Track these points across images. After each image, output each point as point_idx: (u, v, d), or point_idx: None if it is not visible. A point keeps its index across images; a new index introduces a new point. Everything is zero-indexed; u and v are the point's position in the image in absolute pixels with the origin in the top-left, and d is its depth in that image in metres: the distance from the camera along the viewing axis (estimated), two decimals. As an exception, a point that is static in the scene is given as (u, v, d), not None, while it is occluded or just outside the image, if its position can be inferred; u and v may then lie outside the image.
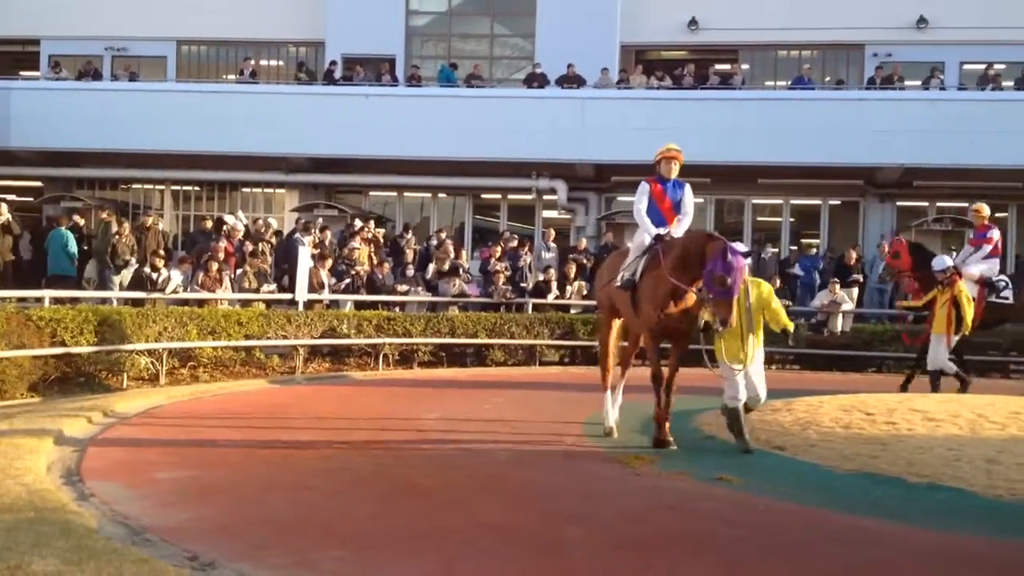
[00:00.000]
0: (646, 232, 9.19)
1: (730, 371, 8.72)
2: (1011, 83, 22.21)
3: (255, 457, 8.12)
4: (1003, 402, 10.21)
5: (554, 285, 18.06)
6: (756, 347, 8.81)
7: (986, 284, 13.07)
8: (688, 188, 9.45)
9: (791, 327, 9.02)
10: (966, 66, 23.78)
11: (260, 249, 17.40)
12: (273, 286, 16.45)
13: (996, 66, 22.48)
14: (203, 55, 26.82)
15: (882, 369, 16.84)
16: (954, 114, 20.70)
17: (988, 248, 13.18)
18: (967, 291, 12.46)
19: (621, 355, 10.29)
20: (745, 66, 24.96)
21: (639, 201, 9.28)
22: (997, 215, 22.59)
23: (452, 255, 18.53)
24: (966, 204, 22.14)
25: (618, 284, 9.22)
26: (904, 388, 12.70)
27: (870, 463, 7.91)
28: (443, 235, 20.12)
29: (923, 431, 8.84)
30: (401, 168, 22.54)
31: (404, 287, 17.70)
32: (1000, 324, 14.14)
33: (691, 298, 8.62)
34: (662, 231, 9.07)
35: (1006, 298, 13.06)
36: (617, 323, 9.94)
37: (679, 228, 9.21)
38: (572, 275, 18.17)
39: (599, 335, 10.07)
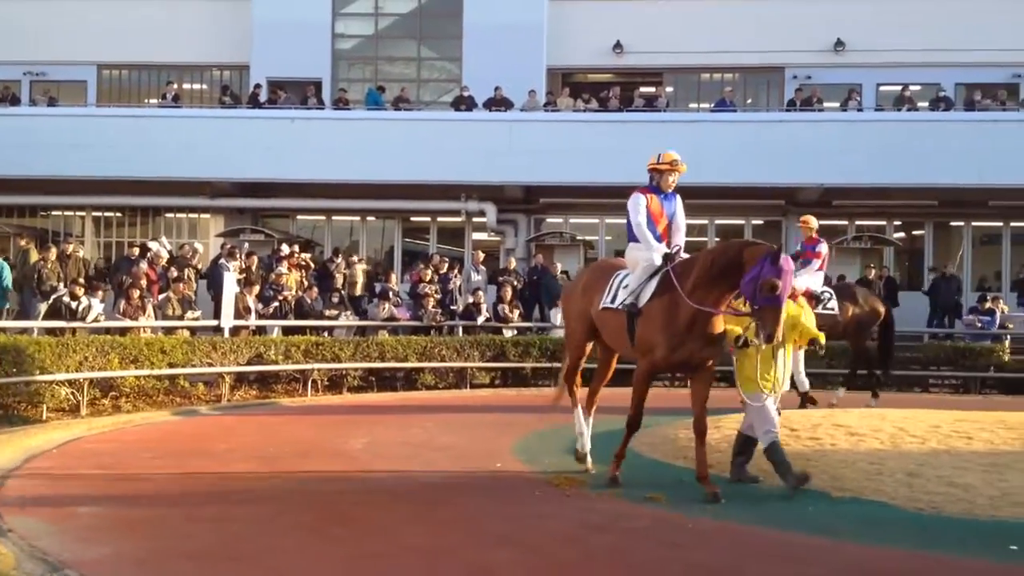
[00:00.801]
0: (651, 250, 8.15)
1: (759, 399, 7.88)
2: (926, 104, 22.86)
3: (178, 488, 7.96)
4: (923, 416, 10.45)
5: (484, 307, 18.05)
6: (786, 370, 8.07)
7: (811, 297, 12.60)
8: (679, 200, 8.57)
9: (822, 338, 8.67)
10: (882, 88, 24.43)
11: (186, 275, 17.12)
12: (198, 312, 16.17)
13: (911, 88, 23.14)
14: (124, 79, 26.37)
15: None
16: (871, 135, 21.23)
17: (818, 263, 12.96)
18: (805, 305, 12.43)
19: (593, 382, 9.34)
20: (669, 89, 25.32)
21: (636, 213, 8.32)
22: (914, 232, 23.40)
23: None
24: (884, 222, 22.83)
25: (614, 306, 8.22)
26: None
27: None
28: (353, 257, 19.98)
29: (846, 446, 9.00)
30: (329, 192, 22.38)
31: (333, 312, 17.53)
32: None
33: (717, 323, 7.72)
34: (670, 249, 8.19)
35: (832, 309, 13.02)
36: (588, 347, 9.12)
37: (675, 244, 8.36)
38: (508, 298, 18.13)
39: (568, 357, 9.15)
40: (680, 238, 8.43)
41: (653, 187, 8.45)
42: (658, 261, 8.03)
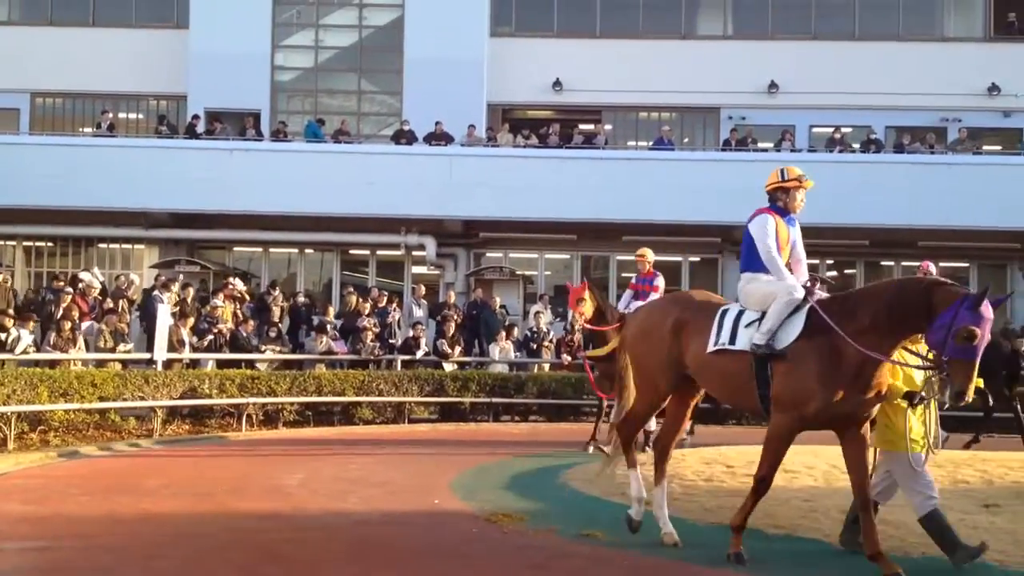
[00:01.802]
0: (785, 281, 6.96)
1: (919, 460, 6.64)
2: (857, 146, 23.42)
3: (108, 526, 7.76)
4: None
5: (423, 341, 17.98)
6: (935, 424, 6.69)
7: None
8: (799, 226, 7.52)
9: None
10: (815, 129, 24.99)
11: (121, 307, 16.82)
12: (130, 345, 15.88)
13: (843, 130, 23.69)
14: (59, 107, 26.00)
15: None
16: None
17: (658, 296, 12.44)
18: None
19: (662, 440, 7.83)
20: (608, 126, 25.63)
21: (766, 236, 7.16)
22: (846, 272, 23.87)
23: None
24: (817, 261, 23.23)
25: (734, 348, 6.87)
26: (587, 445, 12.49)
27: (731, 516, 8.06)
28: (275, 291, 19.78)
29: (780, 483, 9.05)
30: (267, 223, 22.19)
31: (272, 346, 17.29)
32: None
33: (884, 373, 6.50)
34: (804, 282, 7.02)
35: None
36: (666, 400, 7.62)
37: (799, 277, 7.20)
38: (450, 333, 18.05)
39: (631, 408, 7.69)
40: (804, 271, 7.37)
41: (778, 208, 7.42)
42: (799, 295, 6.79)
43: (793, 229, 7.37)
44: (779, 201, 7.45)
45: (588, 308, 12.51)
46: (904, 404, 6.54)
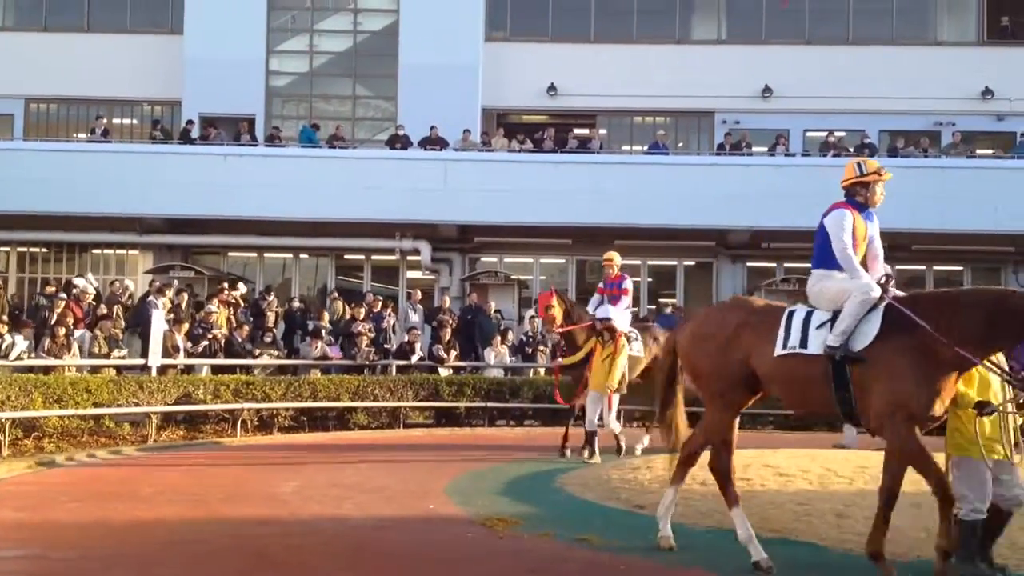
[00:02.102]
0: (860, 280, 6.67)
1: (987, 468, 6.35)
2: (851, 150, 23.44)
3: (102, 532, 7.74)
4: (851, 456, 10.61)
5: (418, 346, 17.97)
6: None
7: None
8: (877, 221, 7.22)
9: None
10: (809, 133, 25.04)
11: (115, 313, 16.78)
12: (124, 351, 15.85)
13: (837, 134, 23.74)
14: (53, 113, 25.98)
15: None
16: (799, 179, 21.66)
17: (628, 299, 12.75)
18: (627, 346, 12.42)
19: (721, 460, 7.32)
20: (603, 131, 25.64)
21: (842, 232, 6.88)
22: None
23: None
24: (809, 265, 23.26)
25: (807, 351, 6.58)
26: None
27: (726, 519, 8.04)
28: (269, 296, 19.76)
29: (775, 486, 9.10)
30: (261, 229, 22.16)
31: (268, 351, 17.26)
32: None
33: (955, 380, 6.30)
34: (880, 278, 6.76)
35: (638, 352, 12.96)
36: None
37: (874, 274, 6.90)
38: (445, 338, 18.02)
39: (714, 424, 7.22)
40: (881, 267, 7.06)
41: (855, 203, 7.13)
42: (876, 294, 6.53)
43: (871, 224, 7.11)
44: (858, 196, 7.15)
45: (558, 314, 12.68)
46: (973, 413, 6.30)
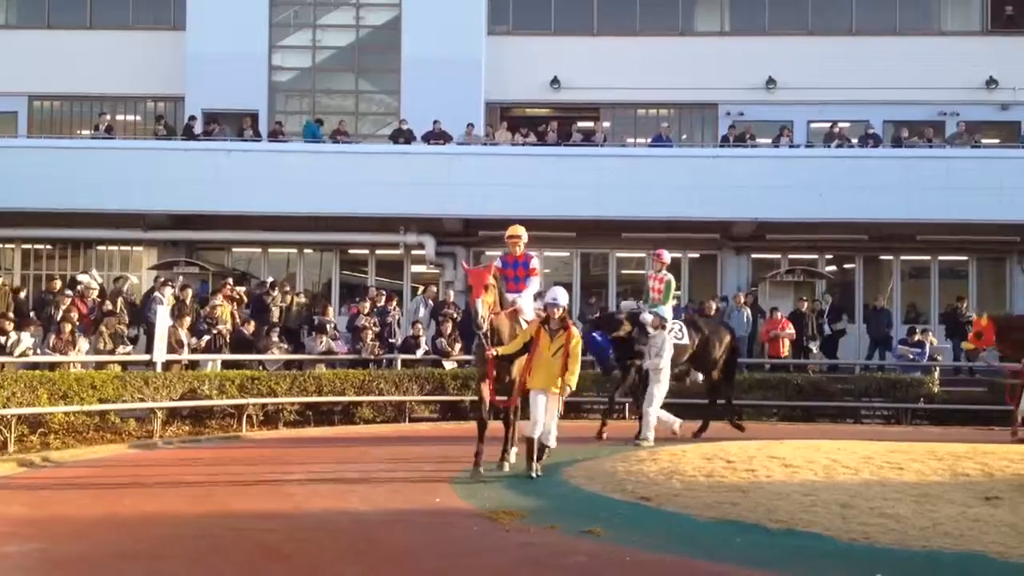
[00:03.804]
0: None
1: None
2: (855, 141, 23.40)
3: (109, 526, 7.76)
4: (856, 447, 10.60)
5: (423, 340, 17.96)
6: None
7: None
8: None
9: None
10: (813, 124, 25.00)
11: (119, 308, 16.80)
12: (130, 347, 15.87)
13: (840, 125, 23.70)
14: (56, 110, 26.02)
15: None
16: (803, 170, 21.67)
17: (536, 281, 11.55)
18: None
19: None
20: (606, 124, 25.62)
21: None
22: (845, 266, 23.87)
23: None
24: (816, 256, 23.26)
25: None
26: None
27: (731, 511, 8.09)
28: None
29: (781, 477, 9.09)
30: (265, 224, 22.20)
31: (277, 344, 17.25)
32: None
33: None
34: None
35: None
36: None
37: None
38: (448, 332, 18.00)
39: None
40: None
41: None
42: None
43: None
44: None
45: (493, 297, 10.53)
46: None
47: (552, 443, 10.31)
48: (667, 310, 13.33)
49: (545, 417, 10.01)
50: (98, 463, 11.66)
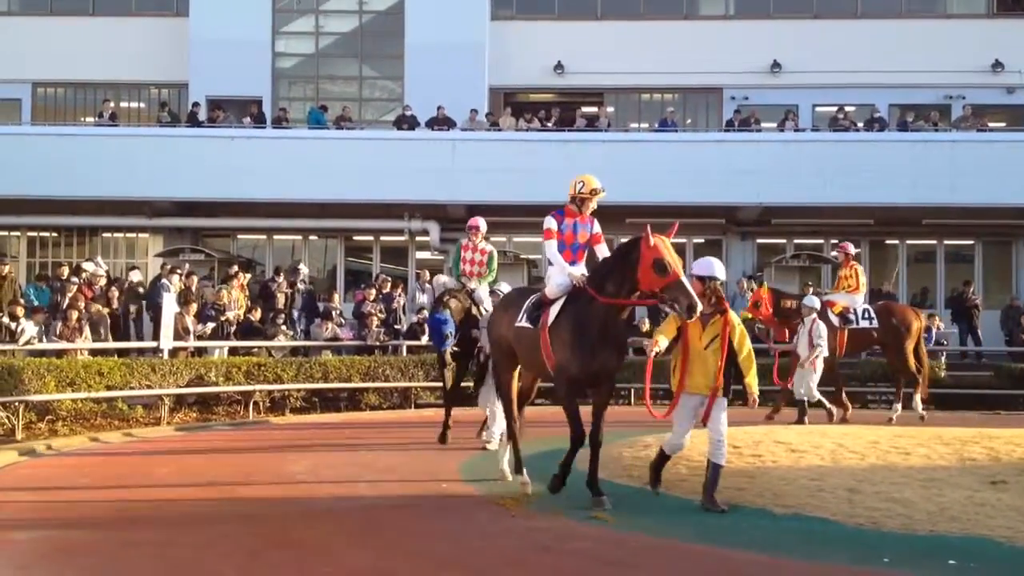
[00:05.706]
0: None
1: None
2: (861, 124, 23.33)
3: (118, 513, 7.80)
4: (862, 432, 10.62)
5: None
6: None
7: None
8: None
9: None
10: (818, 108, 24.92)
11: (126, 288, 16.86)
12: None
13: (846, 108, 23.61)
14: (60, 97, 26.00)
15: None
16: (808, 154, 21.60)
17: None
18: None
19: None
20: (610, 109, 25.55)
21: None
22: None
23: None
24: (821, 241, 23.20)
25: None
26: None
27: (738, 495, 8.10)
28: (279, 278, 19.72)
29: (787, 462, 9.11)
30: (270, 211, 22.20)
31: (284, 330, 17.27)
32: None
33: None
34: None
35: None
36: None
37: None
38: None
39: None
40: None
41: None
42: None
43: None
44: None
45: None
46: None
47: (722, 460, 7.89)
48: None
49: (721, 427, 7.83)
50: (105, 450, 11.69)
